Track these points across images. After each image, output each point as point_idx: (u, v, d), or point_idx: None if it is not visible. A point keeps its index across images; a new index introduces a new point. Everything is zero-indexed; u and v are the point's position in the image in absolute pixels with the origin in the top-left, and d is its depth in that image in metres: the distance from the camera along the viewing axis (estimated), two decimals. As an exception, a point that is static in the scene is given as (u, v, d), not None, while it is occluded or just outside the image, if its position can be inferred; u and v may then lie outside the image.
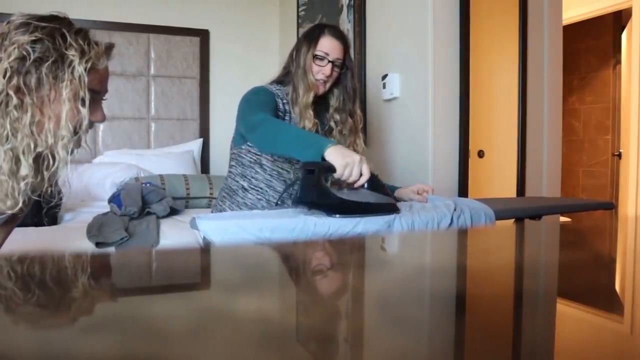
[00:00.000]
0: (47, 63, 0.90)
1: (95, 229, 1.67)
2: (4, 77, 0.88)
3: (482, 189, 2.25)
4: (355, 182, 1.18)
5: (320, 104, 1.66)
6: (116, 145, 3.18)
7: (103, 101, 1.04)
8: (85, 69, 0.93)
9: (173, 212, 2.11)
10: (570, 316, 0.33)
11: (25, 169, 0.92)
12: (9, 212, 0.95)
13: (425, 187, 1.56)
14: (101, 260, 0.48)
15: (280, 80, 1.62)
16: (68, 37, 0.92)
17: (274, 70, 1.68)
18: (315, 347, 0.26)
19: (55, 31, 0.91)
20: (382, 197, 1.23)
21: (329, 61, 1.55)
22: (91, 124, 1.00)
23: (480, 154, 2.30)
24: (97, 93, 0.99)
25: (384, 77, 2.28)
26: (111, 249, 1.60)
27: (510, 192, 2.22)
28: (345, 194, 1.20)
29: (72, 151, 0.96)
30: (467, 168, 2.05)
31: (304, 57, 1.55)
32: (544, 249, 0.59)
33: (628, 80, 3.59)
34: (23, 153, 0.91)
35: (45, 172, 0.95)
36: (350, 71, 1.62)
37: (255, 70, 3.22)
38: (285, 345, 0.26)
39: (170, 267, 0.45)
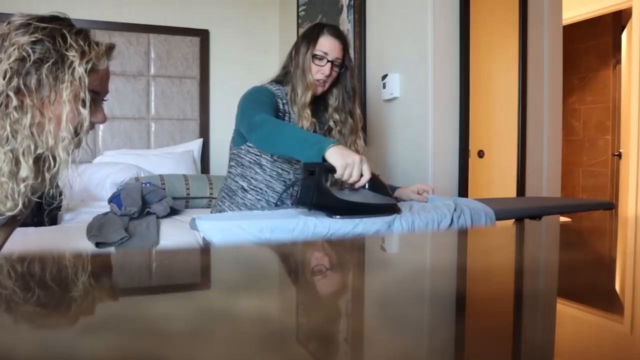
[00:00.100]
0: (48, 64, 0.89)
1: (95, 229, 1.67)
2: (4, 78, 0.87)
3: (482, 189, 2.25)
4: (355, 182, 1.18)
5: (319, 103, 1.66)
6: (116, 145, 3.18)
7: (104, 102, 1.03)
8: (85, 70, 0.92)
9: (173, 212, 2.11)
10: (570, 316, 0.33)
11: (25, 170, 0.91)
12: (9, 213, 0.95)
13: (426, 187, 1.56)
14: (101, 260, 0.48)
15: (280, 80, 1.62)
16: (68, 38, 0.92)
17: (274, 70, 1.68)
18: (315, 347, 0.26)
19: (55, 32, 0.91)
20: (383, 198, 1.23)
21: (328, 61, 1.55)
22: (92, 125, 1.00)
23: (480, 154, 2.30)
24: (97, 94, 0.99)
25: (384, 77, 2.28)
26: (111, 249, 1.60)
27: (510, 192, 2.22)
28: (346, 195, 1.20)
29: (73, 152, 0.96)
30: (467, 168, 2.05)
31: (303, 57, 1.55)
32: (544, 249, 0.59)
33: (628, 80, 3.59)
34: (23, 154, 0.91)
35: (46, 174, 0.95)
36: (350, 71, 1.62)
37: (255, 70, 3.22)
38: (285, 345, 0.26)
39: (170, 267, 0.45)
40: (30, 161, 0.92)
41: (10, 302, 0.33)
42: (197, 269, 0.46)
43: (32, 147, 0.92)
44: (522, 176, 2.20)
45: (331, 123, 1.63)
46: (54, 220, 1.96)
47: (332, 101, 1.63)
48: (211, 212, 1.71)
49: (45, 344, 0.24)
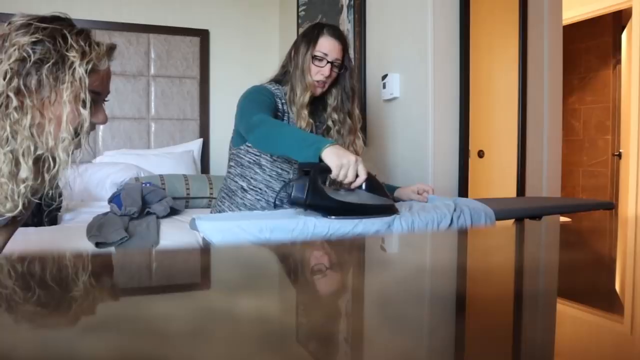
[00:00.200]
0: (48, 64, 0.89)
1: (95, 229, 1.67)
2: (4, 78, 0.87)
3: (482, 189, 2.25)
4: (351, 183, 1.18)
5: (318, 103, 1.66)
6: (116, 145, 3.18)
7: (105, 102, 1.03)
8: (86, 71, 0.92)
9: (173, 212, 2.11)
10: (570, 316, 0.33)
11: (25, 171, 0.91)
12: (9, 214, 0.95)
13: (426, 186, 1.56)
14: (101, 260, 0.48)
15: (279, 80, 1.62)
16: (69, 38, 0.91)
17: (274, 70, 1.67)
18: (315, 347, 0.26)
19: (56, 32, 0.91)
20: (379, 199, 1.22)
21: (328, 62, 1.54)
22: (93, 126, 0.99)
23: (480, 154, 2.30)
24: (98, 94, 0.98)
25: (384, 77, 2.28)
26: (111, 249, 1.60)
27: (510, 192, 2.22)
28: (341, 195, 1.19)
29: (73, 153, 0.96)
30: (467, 168, 2.05)
31: (303, 58, 1.55)
32: (544, 249, 0.59)
33: (628, 80, 3.59)
34: (23, 155, 0.91)
35: (45, 175, 0.95)
36: (349, 71, 1.62)
37: (255, 70, 3.21)
38: (285, 345, 0.26)
39: (170, 267, 0.45)
40: (30, 162, 0.91)
41: (10, 302, 0.33)
42: (197, 269, 0.46)
43: (32, 148, 0.91)
44: (522, 176, 2.20)
45: (330, 123, 1.63)
46: (53, 221, 1.96)
47: (331, 101, 1.63)
48: (211, 212, 1.71)
49: (45, 344, 0.24)
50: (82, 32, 0.95)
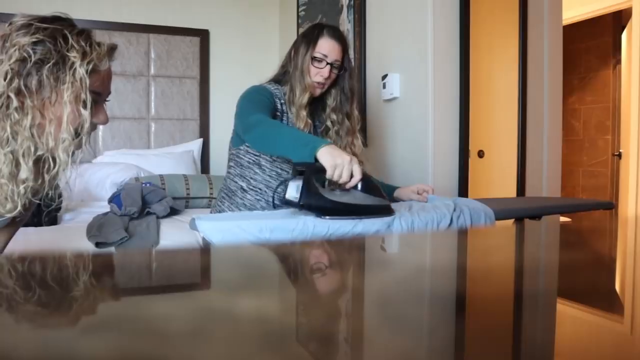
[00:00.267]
0: (48, 65, 0.89)
1: (95, 229, 1.67)
2: (4, 79, 0.87)
3: (482, 189, 2.25)
4: (346, 183, 1.17)
5: (317, 103, 1.66)
6: (116, 145, 3.18)
7: (106, 103, 1.03)
8: (86, 71, 0.91)
9: (173, 212, 2.11)
10: (570, 316, 0.33)
11: (25, 172, 0.91)
12: (9, 215, 0.94)
13: (426, 187, 1.56)
14: (101, 260, 0.48)
15: (278, 80, 1.62)
16: (70, 39, 0.91)
17: (274, 70, 1.67)
18: (315, 347, 0.26)
19: (56, 32, 0.91)
20: (375, 199, 1.21)
21: (328, 63, 1.54)
22: (94, 126, 0.99)
23: (480, 154, 2.30)
24: (99, 95, 0.98)
25: (384, 77, 2.28)
26: (111, 249, 1.60)
27: (510, 192, 2.22)
28: (336, 196, 1.18)
29: (74, 153, 0.96)
30: (467, 168, 2.05)
31: (302, 59, 1.55)
32: (544, 249, 0.59)
33: (628, 80, 3.59)
34: (23, 156, 0.90)
35: (46, 175, 0.95)
36: (349, 72, 1.62)
37: (255, 70, 3.21)
38: (285, 345, 0.26)
39: (170, 267, 0.45)
40: (30, 163, 0.91)
41: (10, 302, 0.33)
42: (197, 269, 0.46)
43: (32, 149, 0.91)
44: (522, 176, 2.20)
45: (328, 123, 1.63)
46: (53, 221, 1.97)
47: (330, 101, 1.63)
48: (211, 212, 1.71)
49: (45, 344, 0.24)
50: (83, 33, 0.95)
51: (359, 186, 1.19)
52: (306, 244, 0.76)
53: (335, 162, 1.15)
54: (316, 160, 1.17)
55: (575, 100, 4.59)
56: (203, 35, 3.39)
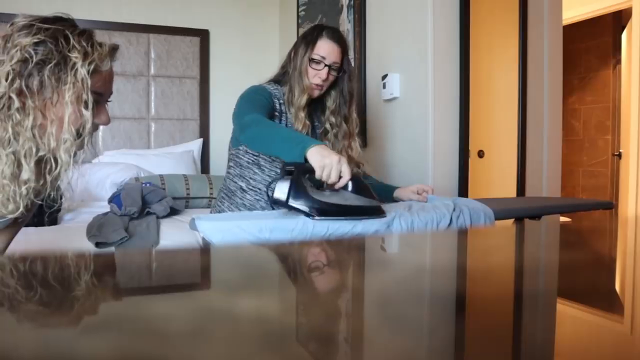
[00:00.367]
0: (50, 65, 0.89)
1: (95, 229, 1.67)
2: (6, 80, 0.87)
3: (482, 189, 2.25)
4: (335, 183, 1.16)
5: (317, 105, 1.66)
6: (116, 145, 3.18)
7: (108, 103, 1.03)
8: (88, 72, 0.91)
9: (173, 212, 2.11)
10: (570, 316, 0.33)
11: (26, 173, 0.91)
12: (10, 216, 0.94)
13: (426, 187, 1.56)
14: (101, 260, 0.48)
15: (278, 80, 1.62)
16: (71, 39, 0.91)
17: (274, 70, 1.68)
18: (315, 347, 0.26)
19: (58, 33, 0.90)
20: (365, 200, 1.19)
21: (326, 65, 1.54)
22: (95, 127, 0.99)
23: (480, 154, 2.30)
24: (101, 95, 0.98)
25: (384, 77, 2.28)
26: (111, 249, 1.60)
27: (510, 192, 2.22)
28: (325, 196, 1.16)
29: (75, 154, 0.96)
30: (467, 168, 2.06)
31: (301, 60, 1.54)
32: (544, 249, 0.59)
33: (628, 80, 3.59)
34: (25, 157, 0.90)
35: (47, 176, 0.95)
36: (348, 74, 1.61)
37: (255, 70, 3.22)
38: (285, 345, 0.26)
39: (170, 267, 0.45)
40: (32, 163, 0.91)
41: (11, 302, 0.33)
42: (197, 269, 0.46)
43: (34, 149, 0.91)
44: (522, 176, 2.20)
45: (327, 126, 1.63)
46: (53, 221, 1.97)
47: (330, 104, 1.62)
48: (211, 212, 1.71)
49: (45, 344, 0.24)
50: (85, 33, 0.94)
51: (350, 187, 1.18)
52: (306, 243, 0.76)
53: (324, 162, 1.14)
54: (306, 160, 1.17)
55: (575, 100, 4.59)
56: (203, 35, 3.39)
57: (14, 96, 0.87)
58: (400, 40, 2.22)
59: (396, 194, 1.62)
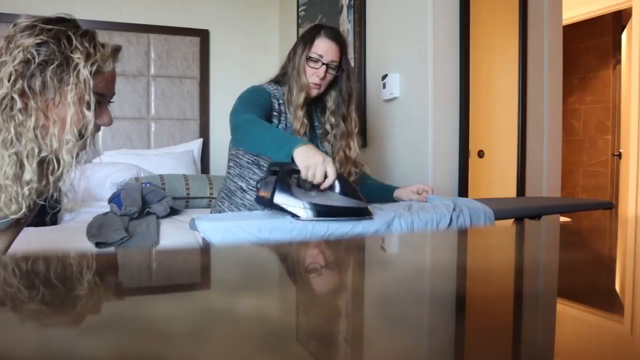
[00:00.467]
0: (52, 66, 0.89)
1: (95, 229, 1.67)
2: (8, 80, 0.87)
3: (482, 189, 2.25)
4: (320, 184, 1.15)
5: (317, 106, 1.66)
6: (116, 145, 3.18)
7: (110, 104, 1.03)
8: (90, 72, 0.91)
9: (173, 212, 2.11)
10: (570, 316, 0.33)
11: (29, 173, 0.91)
12: (13, 216, 0.94)
13: (425, 187, 1.56)
14: (101, 260, 0.48)
15: (278, 80, 1.62)
16: (74, 40, 0.91)
17: (274, 70, 1.68)
18: (315, 347, 0.26)
19: (60, 34, 0.90)
20: (351, 201, 1.18)
21: (323, 63, 1.54)
22: (97, 128, 0.99)
23: (480, 154, 2.30)
24: (103, 96, 0.98)
25: (384, 77, 2.28)
26: (111, 249, 1.60)
27: (510, 192, 2.22)
28: (310, 197, 1.15)
29: (78, 155, 0.95)
30: (467, 168, 2.06)
31: (299, 59, 1.55)
32: (544, 249, 0.59)
33: (628, 80, 3.59)
34: (27, 157, 0.90)
35: (50, 177, 0.95)
36: (347, 74, 1.61)
37: (255, 70, 3.22)
38: (285, 345, 0.26)
39: (170, 267, 0.45)
40: (34, 164, 0.91)
41: (10, 302, 0.33)
42: (197, 269, 0.46)
43: (36, 150, 0.91)
44: (522, 176, 2.20)
45: (327, 126, 1.63)
46: (54, 221, 1.97)
47: (330, 104, 1.63)
48: (211, 212, 1.71)
49: (45, 344, 0.24)
50: (87, 34, 0.94)
51: (337, 188, 1.17)
52: (305, 244, 0.76)
53: (308, 162, 1.13)
54: (293, 160, 1.16)
55: (575, 100, 4.59)
56: (203, 35, 3.39)
57: (16, 97, 0.87)
58: (400, 40, 2.22)
59: (396, 194, 1.63)
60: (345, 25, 2.62)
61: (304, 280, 0.42)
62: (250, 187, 1.56)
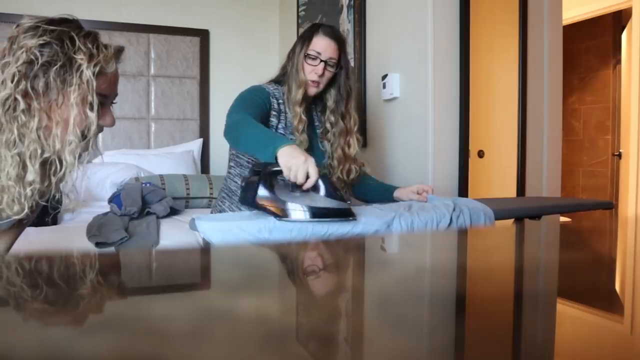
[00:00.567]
0: (55, 67, 0.89)
1: (95, 229, 1.67)
2: (12, 81, 0.87)
3: (482, 189, 2.25)
4: (302, 185, 1.14)
5: (318, 104, 1.66)
6: (116, 145, 3.18)
7: (113, 105, 1.03)
8: (93, 73, 0.91)
9: (173, 212, 2.11)
10: (570, 316, 0.33)
11: (31, 174, 0.91)
12: (16, 217, 0.94)
13: (425, 187, 1.56)
14: (101, 261, 0.48)
15: (278, 80, 1.62)
16: (77, 41, 0.91)
17: (274, 70, 1.68)
18: (315, 347, 0.26)
19: (63, 34, 0.90)
20: (334, 202, 1.16)
21: (322, 61, 1.54)
22: (100, 128, 0.99)
23: (480, 154, 2.30)
24: (105, 97, 0.98)
25: (384, 77, 2.28)
26: (111, 249, 1.60)
27: (510, 192, 2.22)
28: (292, 198, 1.14)
29: (80, 156, 0.95)
30: (467, 168, 2.06)
31: (298, 57, 1.56)
32: (544, 249, 0.59)
33: (628, 80, 3.59)
34: (30, 158, 0.90)
35: (52, 178, 0.95)
36: (346, 71, 1.61)
37: (255, 70, 3.22)
38: (285, 345, 0.26)
39: (170, 267, 0.45)
40: (37, 165, 0.91)
41: (8, 302, 0.33)
42: (197, 269, 0.46)
43: (39, 151, 0.91)
44: (522, 176, 2.20)
45: (327, 125, 1.63)
46: (54, 222, 1.97)
47: (330, 102, 1.63)
48: (211, 212, 1.71)
49: (45, 344, 0.24)
50: (90, 35, 0.94)
51: (322, 189, 1.16)
52: (305, 244, 0.76)
53: (290, 162, 1.12)
54: (277, 160, 1.16)
55: (575, 100, 4.59)
56: (203, 35, 3.39)
57: (19, 98, 0.87)
58: (400, 40, 2.22)
59: (396, 194, 1.63)
60: (345, 25, 2.62)
61: (304, 280, 0.42)
62: (250, 187, 1.56)
